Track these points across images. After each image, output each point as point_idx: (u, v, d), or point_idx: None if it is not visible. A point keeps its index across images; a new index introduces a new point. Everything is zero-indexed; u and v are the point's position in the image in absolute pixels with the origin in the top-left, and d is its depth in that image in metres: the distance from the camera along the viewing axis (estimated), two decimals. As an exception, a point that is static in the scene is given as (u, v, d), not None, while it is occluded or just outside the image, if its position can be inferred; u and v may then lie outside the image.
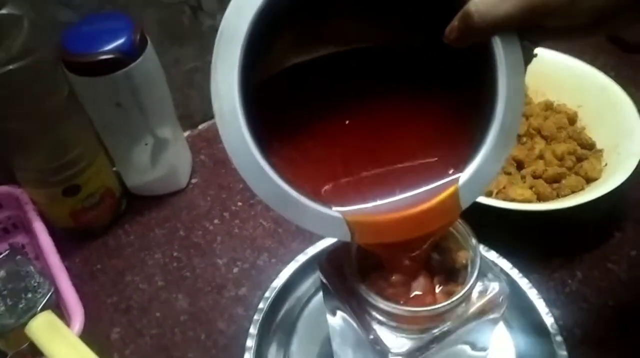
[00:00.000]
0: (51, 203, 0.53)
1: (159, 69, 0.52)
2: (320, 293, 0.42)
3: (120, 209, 0.59)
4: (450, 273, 0.34)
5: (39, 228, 0.51)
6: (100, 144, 0.54)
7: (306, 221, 0.28)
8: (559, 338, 0.45)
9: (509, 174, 0.55)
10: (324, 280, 0.35)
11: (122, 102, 0.50)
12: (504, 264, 0.50)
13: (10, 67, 0.42)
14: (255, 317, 0.48)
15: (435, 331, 0.31)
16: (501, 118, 0.29)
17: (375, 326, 0.32)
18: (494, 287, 0.33)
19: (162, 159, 0.57)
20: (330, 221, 0.28)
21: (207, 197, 0.60)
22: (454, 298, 0.30)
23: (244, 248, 0.56)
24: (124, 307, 0.52)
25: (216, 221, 0.58)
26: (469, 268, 0.32)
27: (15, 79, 0.43)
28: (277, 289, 0.50)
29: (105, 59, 0.47)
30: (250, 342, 0.47)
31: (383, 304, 0.30)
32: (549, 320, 0.47)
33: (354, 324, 0.34)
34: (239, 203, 0.59)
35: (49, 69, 0.46)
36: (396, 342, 0.31)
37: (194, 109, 0.66)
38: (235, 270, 0.54)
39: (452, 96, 0.32)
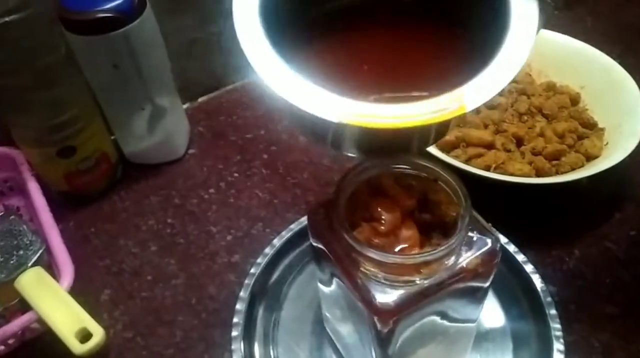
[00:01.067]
0: (46, 164, 0.52)
1: (157, 33, 0.52)
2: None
3: (117, 176, 0.58)
4: (441, 229, 0.33)
5: (34, 188, 0.51)
6: (97, 107, 0.54)
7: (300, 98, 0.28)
8: (553, 311, 0.45)
9: (508, 150, 0.54)
10: (312, 232, 0.35)
11: (119, 64, 0.50)
12: (501, 239, 0.49)
13: (6, 19, 0.42)
14: (246, 281, 0.48)
15: (425, 283, 0.31)
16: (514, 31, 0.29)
17: (363, 280, 0.32)
18: (486, 242, 0.33)
19: (159, 126, 0.57)
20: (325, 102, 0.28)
21: (204, 168, 0.60)
22: (442, 247, 0.30)
23: (238, 217, 0.55)
24: (116, 270, 0.52)
25: (212, 190, 0.58)
26: (459, 222, 0.32)
27: (10, 32, 0.43)
28: (269, 256, 0.50)
29: (103, 17, 0.47)
30: (240, 306, 0.47)
31: (370, 252, 0.30)
32: (544, 295, 0.46)
33: (341, 279, 0.34)
34: (236, 174, 0.59)
35: (45, 25, 0.45)
36: (384, 295, 0.31)
37: (193, 81, 0.66)
38: (229, 238, 0.54)
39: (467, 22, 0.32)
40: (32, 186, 0.51)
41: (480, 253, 0.33)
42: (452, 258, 0.32)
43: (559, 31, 0.62)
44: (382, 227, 0.32)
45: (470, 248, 0.33)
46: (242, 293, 0.47)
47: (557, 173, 0.52)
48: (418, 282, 0.31)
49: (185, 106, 0.65)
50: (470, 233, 0.33)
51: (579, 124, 0.55)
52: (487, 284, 0.35)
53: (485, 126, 0.55)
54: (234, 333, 0.45)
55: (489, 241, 0.33)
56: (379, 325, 0.30)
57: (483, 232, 0.33)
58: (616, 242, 0.52)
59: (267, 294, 0.49)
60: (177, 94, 0.58)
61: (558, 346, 0.43)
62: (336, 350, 0.45)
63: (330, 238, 0.33)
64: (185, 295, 0.50)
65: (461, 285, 0.33)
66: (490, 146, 0.54)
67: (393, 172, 0.34)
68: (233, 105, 0.66)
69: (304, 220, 0.52)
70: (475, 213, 0.34)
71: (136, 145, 0.58)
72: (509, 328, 0.46)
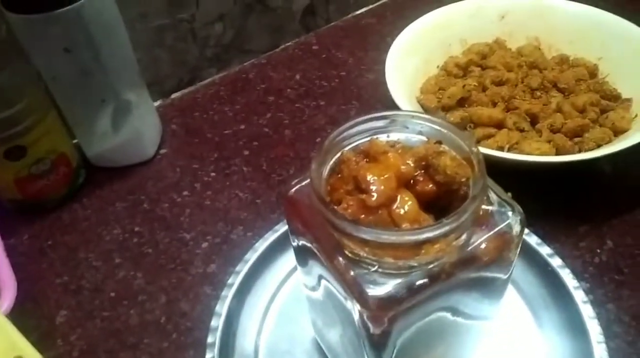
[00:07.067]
0: (-8, 168, 0.46)
1: (116, 13, 0.46)
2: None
3: (78, 182, 0.51)
4: (447, 204, 0.26)
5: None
6: (50, 100, 0.47)
7: None
8: (590, 312, 0.37)
9: (521, 130, 0.47)
10: (288, 214, 0.28)
11: (72, 48, 0.43)
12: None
13: None
14: (223, 293, 0.41)
15: (428, 269, 0.24)
16: None
17: (349, 269, 0.24)
18: (506, 216, 0.26)
19: (125, 123, 0.50)
20: None
21: (177, 168, 0.53)
22: (449, 219, 0.23)
23: (215, 221, 0.48)
24: (74, 287, 0.45)
25: (185, 193, 0.51)
26: (471, 187, 0.25)
27: None
28: (250, 262, 0.42)
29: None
30: (216, 322, 0.39)
31: (353, 229, 0.23)
32: (578, 293, 0.39)
33: (324, 274, 0.27)
34: (213, 174, 0.52)
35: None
36: (375, 287, 0.24)
37: (165, 73, 0.59)
38: (204, 245, 0.47)
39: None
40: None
41: (499, 231, 0.25)
42: (463, 237, 0.24)
43: (568, -2, 0.56)
44: (372, 199, 0.25)
45: (485, 226, 0.25)
46: (217, 308, 0.40)
47: (580, 151, 0.45)
48: (418, 267, 0.24)
49: (156, 103, 0.59)
50: (485, 206, 0.26)
51: (601, 97, 0.48)
52: (507, 271, 0.28)
53: (494, 104, 0.48)
54: (208, 355, 0.38)
55: (509, 214, 0.26)
56: (370, 326, 0.23)
57: (502, 204, 0.26)
58: (655, 229, 0.44)
59: (248, 308, 0.41)
60: (144, 87, 0.52)
61: (601, 353, 0.35)
62: (331, 370, 0.37)
63: (309, 219, 0.26)
64: (153, 313, 0.42)
65: (474, 273, 0.26)
66: (500, 125, 0.47)
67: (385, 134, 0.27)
68: (209, 100, 0.59)
69: (289, 219, 0.45)
70: (491, 182, 0.27)
71: (100, 145, 0.51)
72: (539, 334, 0.38)
